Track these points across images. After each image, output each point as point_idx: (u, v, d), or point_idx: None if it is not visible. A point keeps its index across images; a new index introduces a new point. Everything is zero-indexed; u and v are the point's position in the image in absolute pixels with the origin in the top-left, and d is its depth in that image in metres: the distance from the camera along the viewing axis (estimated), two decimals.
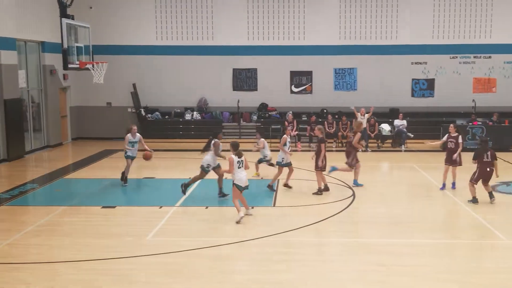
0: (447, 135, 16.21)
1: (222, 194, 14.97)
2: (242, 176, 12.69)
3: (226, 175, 14.18)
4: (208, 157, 14.72)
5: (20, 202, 15.10)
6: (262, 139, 17.53)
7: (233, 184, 12.74)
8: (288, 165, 15.98)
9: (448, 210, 14.00)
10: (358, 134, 16.23)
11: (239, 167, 12.69)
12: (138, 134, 16.90)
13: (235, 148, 12.88)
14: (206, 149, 14.82)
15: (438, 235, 11.78)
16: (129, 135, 16.62)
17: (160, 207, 14.06)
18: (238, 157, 12.73)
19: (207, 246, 11.00)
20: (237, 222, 12.45)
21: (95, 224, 12.69)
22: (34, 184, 17.26)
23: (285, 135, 16.18)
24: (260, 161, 17.73)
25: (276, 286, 9.12)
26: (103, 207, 14.17)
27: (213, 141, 14.69)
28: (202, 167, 14.72)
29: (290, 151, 16.14)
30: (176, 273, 9.67)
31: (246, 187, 12.88)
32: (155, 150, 22.96)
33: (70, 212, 13.82)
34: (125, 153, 16.74)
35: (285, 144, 15.85)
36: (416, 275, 9.51)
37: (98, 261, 10.25)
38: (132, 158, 16.82)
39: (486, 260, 10.39)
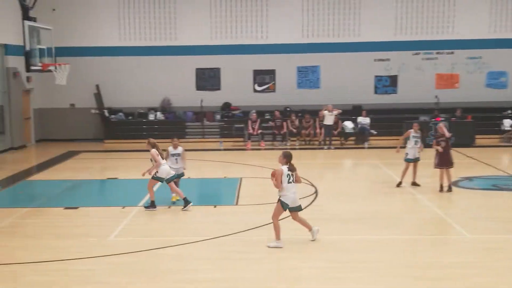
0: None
1: None
2: (291, 194, 10.91)
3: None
4: None
5: None
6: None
7: (279, 200, 11.00)
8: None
9: (410, 206, 14.20)
10: None
11: (289, 182, 10.84)
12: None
13: (287, 158, 10.95)
14: None
15: (400, 231, 11.91)
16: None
17: (123, 207, 14.06)
18: (289, 170, 10.84)
19: (168, 245, 11.05)
20: (269, 246, 10.95)
21: (57, 225, 12.64)
22: None
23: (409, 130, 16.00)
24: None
25: (235, 284, 9.18)
26: (66, 208, 14.10)
27: None
28: None
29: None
30: (138, 272, 9.68)
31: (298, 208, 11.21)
32: (119, 151, 22.87)
33: (32, 214, 13.77)
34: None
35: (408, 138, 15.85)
36: (373, 271, 9.61)
37: (59, 261, 10.22)
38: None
39: (445, 255, 10.53)
